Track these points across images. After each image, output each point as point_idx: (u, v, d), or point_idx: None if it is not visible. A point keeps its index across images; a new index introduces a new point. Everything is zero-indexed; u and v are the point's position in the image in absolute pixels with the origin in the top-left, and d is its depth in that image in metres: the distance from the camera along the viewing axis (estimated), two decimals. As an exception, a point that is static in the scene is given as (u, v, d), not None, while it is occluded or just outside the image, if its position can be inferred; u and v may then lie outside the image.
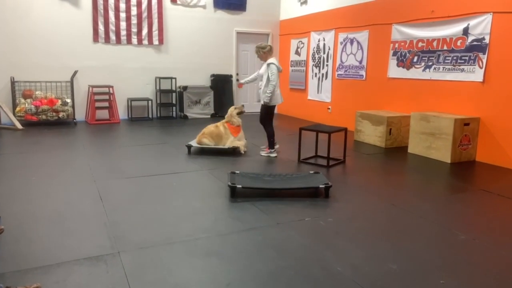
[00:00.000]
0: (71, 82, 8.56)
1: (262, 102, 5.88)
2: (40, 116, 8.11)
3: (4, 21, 8.08)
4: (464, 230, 3.34)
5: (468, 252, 2.96)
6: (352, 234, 3.23)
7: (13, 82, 8.13)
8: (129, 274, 2.54)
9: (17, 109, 8.02)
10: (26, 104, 8.04)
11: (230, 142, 6.02)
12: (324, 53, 9.15)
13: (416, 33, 6.76)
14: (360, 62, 8.09)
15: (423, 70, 6.67)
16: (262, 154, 5.98)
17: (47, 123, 8.24)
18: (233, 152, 5.94)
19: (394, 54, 7.24)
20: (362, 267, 2.69)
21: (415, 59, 6.81)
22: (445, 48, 6.29)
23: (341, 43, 8.59)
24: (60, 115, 8.30)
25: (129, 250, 2.86)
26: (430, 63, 6.54)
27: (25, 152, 5.81)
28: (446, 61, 6.28)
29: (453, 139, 5.64)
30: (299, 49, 10.10)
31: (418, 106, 6.74)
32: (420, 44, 6.71)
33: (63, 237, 3.06)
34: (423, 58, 6.67)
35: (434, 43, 6.45)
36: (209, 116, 10.05)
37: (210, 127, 6.18)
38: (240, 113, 6.22)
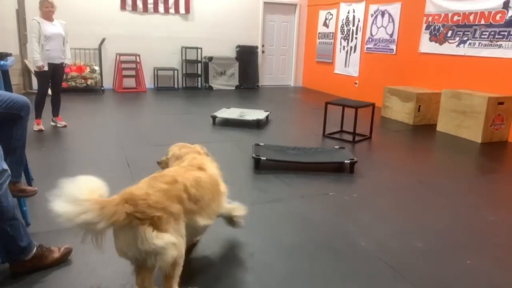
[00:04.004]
0: (99, 49, 8.63)
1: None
2: (69, 83, 8.26)
3: (34, -13, 8.13)
4: (493, 211, 3.26)
5: (496, 233, 2.90)
6: (377, 210, 3.21)
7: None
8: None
9: (47, 75, 8.17)
10: (56, 71, 8.19)
11: None
12: (353, 25, 8.88)
13: (452, 6, 6.46)
14: (391, 35, 7.83)
15: (457, 45, 6.41)
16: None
17: (76, 89, 8.38)
18: (257, 124, 5.92)
19: (427, 28, 6.96)
20: (386, 243, 2.68)
21: (449, 33, 6.53)
22: (482, 22, 6.00)
23: (372, 15, 8.30)
24: (89, 82, 8.43)
25: (156, 216, 2.93)
26: (465, 38, 6.26)
27: (55, 117, 5.94)
28: (482, 36, 6.00)
29: (486, 118, 5.45)
30: (327, 21, 9.84)
31: (450, 83, 6.51)
32: (455, 18, 6.42)
33: (93, 201, 3.15)
34: (458, 33, 6.39)
35: (471, 17, 6.16)
36: (234, 88, 10.01)
37: None
38: None
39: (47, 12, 5.13)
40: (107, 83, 9.05)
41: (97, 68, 8.56)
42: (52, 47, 5.17)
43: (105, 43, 8.80)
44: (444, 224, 3.01)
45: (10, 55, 2.83)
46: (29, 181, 3.08)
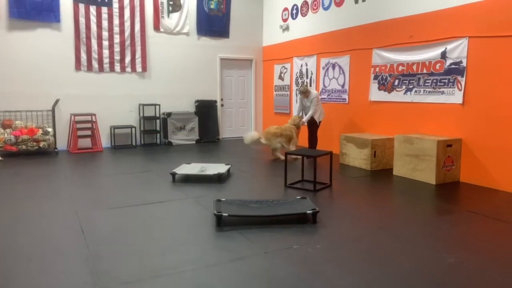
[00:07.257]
0: (53, 110, 8.44)
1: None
2: (20, 146, 7.94)
3: (-16, 51, 7.98)
4: (452, 253, 3.32)
5: (457, 275, 2.93)
6: (341, 261, 3.18)
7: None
8: (112, 312, 2.43)
9: (-4, 139, 7.83)
10: (6, 134, 7.87)
11: (292, 144, 7.66)
12: (307, 77, 9.27)
13: (396, 57, 6.92)
14: (343, 86, 8.21)
15: (404, 93, 6.79)
16: None
17: (28, 153, 8.05)
18: (219, 178, 5.87)
19: (375, 78, 7.37)
20: (353, 296, 2.63)
21: (396, 82, 6.94)
22: (424, 71, 6.44)
23: (323, 67, 8.73)
24: (41, 144, 8.14)
25: (112, 286, 2.75)
26: (411, 86, 6.67)
27: (3, 184, 5.64)
28: (426, 84, 6.41)
29: (437, 160, 5.70)
30: (282, 74, 10.22)
31: (401, 129, 6.83)
32: (400, 68, 6.86)
33: (42, 275, 2.92)
34: (404, 82, 6.80)
35: (414, 67, 6.60)
36: (194, 142, 9.99)
37: (282, 128, 7.73)
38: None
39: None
40: (61, 144, 8.79)
41: (50, 129, 8.32)
42: None
43: (59, 104, 8.64)
44: (407, 269, 3.01)
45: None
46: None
